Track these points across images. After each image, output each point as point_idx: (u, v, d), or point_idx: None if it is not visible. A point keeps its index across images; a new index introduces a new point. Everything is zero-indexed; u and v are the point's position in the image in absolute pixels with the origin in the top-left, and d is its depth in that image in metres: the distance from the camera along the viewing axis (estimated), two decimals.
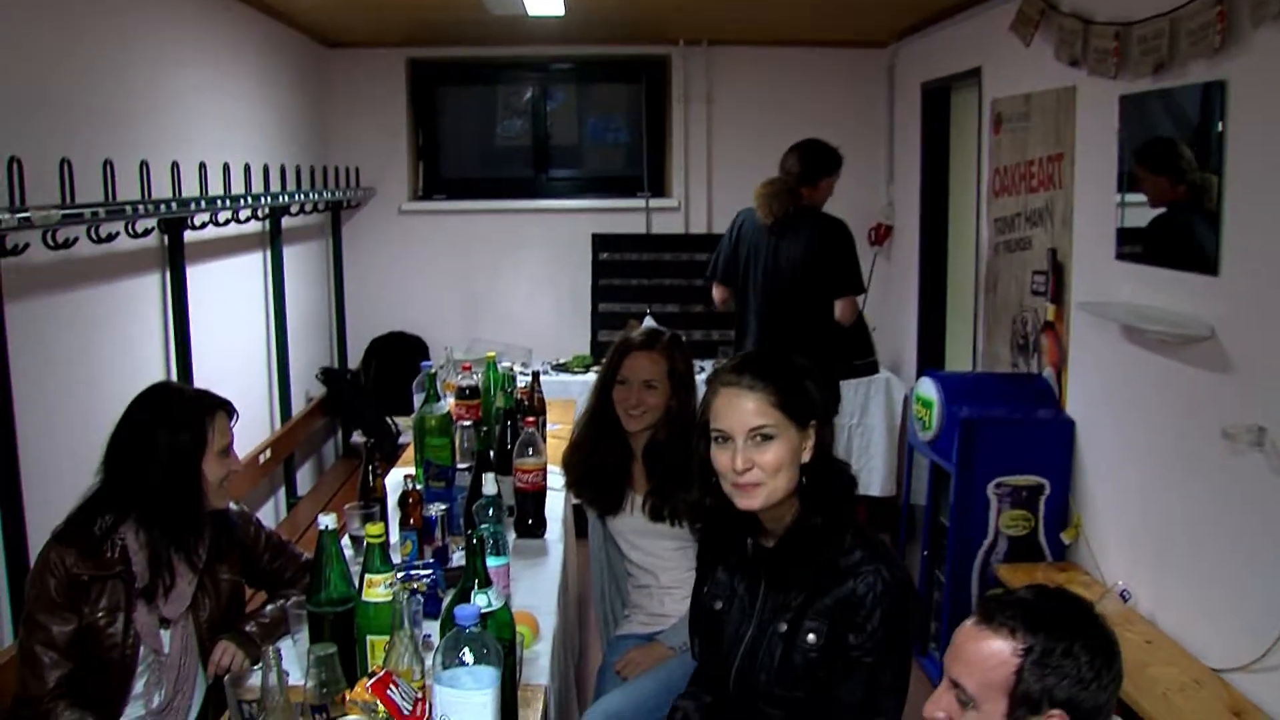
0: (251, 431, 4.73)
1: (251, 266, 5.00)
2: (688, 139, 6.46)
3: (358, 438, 6.02)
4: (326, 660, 1.96)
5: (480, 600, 1.98)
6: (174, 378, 3.83)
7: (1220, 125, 2.97)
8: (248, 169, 4.67)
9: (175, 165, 3.80)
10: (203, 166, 4.07)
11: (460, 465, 3.25)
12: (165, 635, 2.42)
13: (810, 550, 2.11)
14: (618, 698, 2.74)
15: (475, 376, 3.64)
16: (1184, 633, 3.25)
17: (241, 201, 4.38)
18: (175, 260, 3.88)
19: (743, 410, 2.08)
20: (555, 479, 3.27)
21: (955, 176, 5.52)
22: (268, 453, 4.83)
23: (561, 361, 6.11)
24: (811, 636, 2.08)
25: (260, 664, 1.85)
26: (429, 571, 2.57)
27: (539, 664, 2.42)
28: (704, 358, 5.26)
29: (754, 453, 2.07)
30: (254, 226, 4.86)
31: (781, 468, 2.07)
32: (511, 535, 3.08)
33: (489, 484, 2.58)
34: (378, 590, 2.10)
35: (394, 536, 2.88)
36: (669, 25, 6.01)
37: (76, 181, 3.06)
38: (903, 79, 6.10)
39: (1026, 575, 3.75)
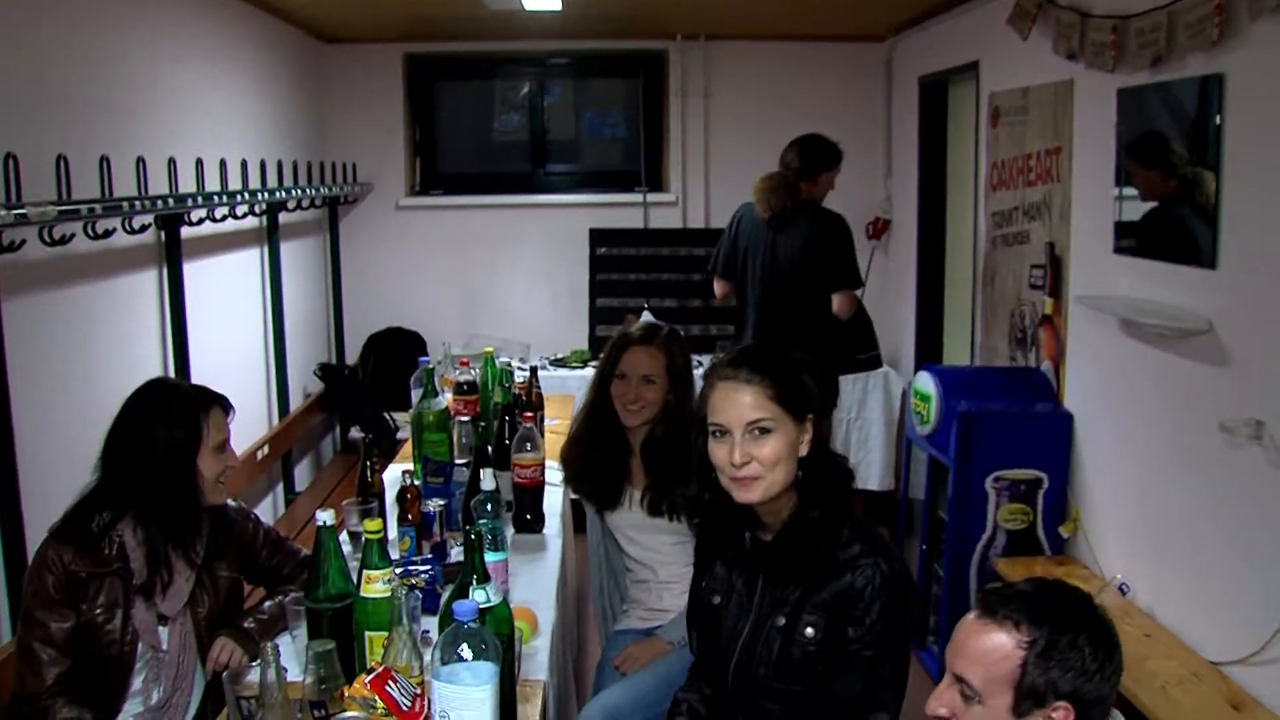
0: (249, 428, 4.72)
1: (249, 262, 5.00)
2: (685, 134, 6.46)
3: (356, 433, 6.01)
4: (325, 656, 1.96)
5: (479, 596, 1.98)
6: (171, 374, 3.82)
7: (1218, 119, 2.96)
8: (245, 165, 4.66)
9: (172, 161, 3.79)
10: (200, 162, 4.06)
11: (458, 461, 3.26)
12: (163, 632, 2.42)
13: (808, 544, 2.11)
14: (616, 693, 2.73)
15: (473, 372, 3.64)
16: (1183, 626, 3.25)
17: (239, 197, 4.37)
18: (172, 256, 3.88)
19: (740, 404, 2.08)
20: (553, 474, 3.27)
21: (953, 171, 5.51)
22: (266, 449, 4.83)
23: (559, 357, 6.11)
24: (810, 630, 2.08)
25: (259, 660, 1.85)
26: (427, 567, 2.57)
27: (538, 659, 2.42)
28: (702, 352, 5.26)
29: (752, 446, 2.07)
30: (251, 222, 4.86)
31: (779, 461, 2.07)
32: (510, 530, 3.08)
33: (487, 479, 2.59)
34: (376, 586, 2.10)
35: (392, 532, 2.88)
36: (666, 20, 6.00)
37: (73, 178, 3.06)
38: (900, 73, 6.09)
39: (1025, 569, 3.75)
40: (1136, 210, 3.45)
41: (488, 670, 1.81)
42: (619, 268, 6.31)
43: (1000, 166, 4.54)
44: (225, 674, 2.03)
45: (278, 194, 4.89)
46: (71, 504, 2.43)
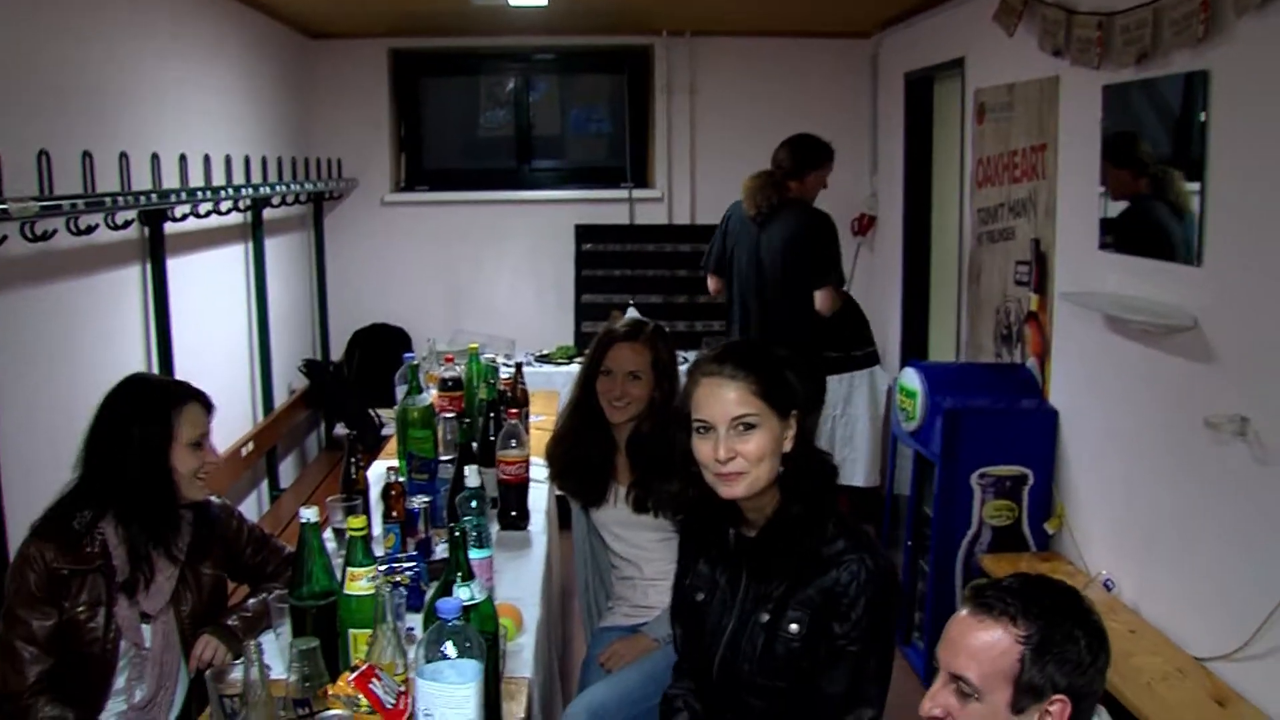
0: (233, 424, 4.70)
1: (233, 258, 4.97)
2: (671, 130, 6.45)
3: (340, 430, 5.99)
4: (309, 654, 1.95)
5: (463, 593, 1.98)
6: (155, 371, 3.81)
7: (1203, 115, 2.97)
8: (229, 160, 4.63)
9: (155, 157, 3.77)
10: (183, 158, 4.04)
11: (443, 457, 3.25)
12: (146, 630, 2.40)
13: (792, 540, 2.11)
14: (602, 690, 2.73)
15: (458, 368, 3.64)
16: (1167, 622, 3.26)
17: (222, 193, 4.35)
18: (156, 252, 3.86)
19: (724, 400, 2.07)
20: (538, 471, 3.26)
21: (938, 167, 5.52)
22: (250, 445, 4.81)
23: (545, 353, 6.11)
24: (794, 626, 2.08)
25: (242, 658, 1.84)
26: (412, 564, 2.56)
27: (522, 657, 2.41)
28: (687, 349, 5.26)
29: (736, 442, 2.06)
30: (235, 218, 4.83)
31: (764, 457, 2.07)
32: (495, 527, 3.08)
33: (472, 476, 2.58)
34: (360, 583, 2.09)
35: (376, 529, 2.88)
36: (652, 15, 5.99)
37: (55, 173, 3.04)
38: (886, 69, 6.10)
39: (1010, 565, 3.76)
40: (1121, 207, 3.46)
41: (472, 668, 1.80)
42: (604, 264, 6.31)
43: (986, 163, 4.54)
44: (209, 672, 2.02)
45: (262, 190, 4.87)
46: (53, 501, 2.41)
